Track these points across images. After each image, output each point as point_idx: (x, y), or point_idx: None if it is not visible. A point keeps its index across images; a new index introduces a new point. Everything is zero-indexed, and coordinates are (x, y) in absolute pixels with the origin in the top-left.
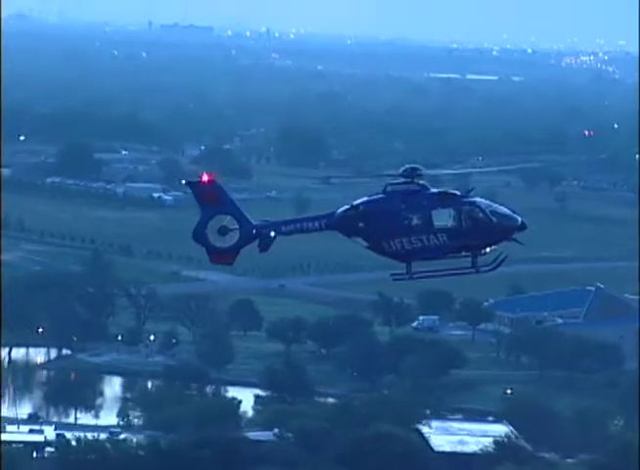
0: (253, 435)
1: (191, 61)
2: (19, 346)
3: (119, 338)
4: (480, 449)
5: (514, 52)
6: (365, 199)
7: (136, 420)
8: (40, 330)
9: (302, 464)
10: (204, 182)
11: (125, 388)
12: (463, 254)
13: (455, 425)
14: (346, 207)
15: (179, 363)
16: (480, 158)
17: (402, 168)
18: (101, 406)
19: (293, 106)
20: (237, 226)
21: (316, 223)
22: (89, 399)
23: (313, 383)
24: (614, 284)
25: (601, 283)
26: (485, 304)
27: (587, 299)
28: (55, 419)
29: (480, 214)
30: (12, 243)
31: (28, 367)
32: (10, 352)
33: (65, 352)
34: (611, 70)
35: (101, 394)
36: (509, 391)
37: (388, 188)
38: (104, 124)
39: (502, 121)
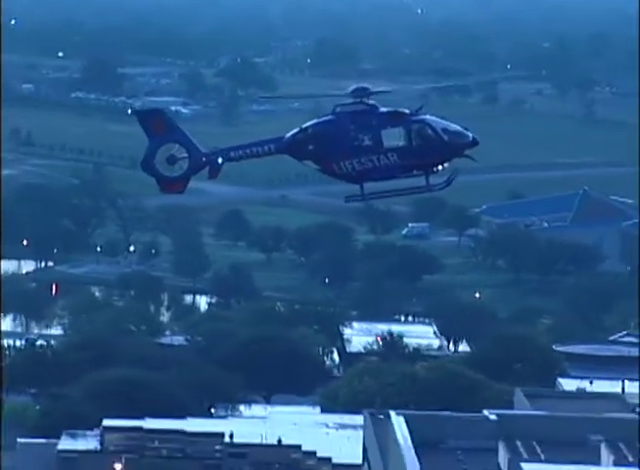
0: (170, 339)
1: None
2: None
3: (99, 249)
4: (364, 347)
5: None
6: (314, 121)
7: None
8: (25, 242)
9: (188, 366)
10: (150, 111)
11: (84, 297)
12: (415, 173)
13: (379, 326)
14: (295, 130)
15: (135, 271)
16: (509, 66)
17: (351, 88)
18: (55, 315)
19: (345, 18)
20: (186, 155)
21: (265, 148)
22: (47, 309)
23: (262, 289)
24: (620, 189)
25: (608, 188)
26: (476, 210)
27: (575, 202)
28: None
29: (430, 132)
30: (20, 158)
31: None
32: None
33: (47, 263)
34: None
35: (59, 303)
36: (477, 294)
37: (337, 109)
38: (141, 39)
39: (559, 28)
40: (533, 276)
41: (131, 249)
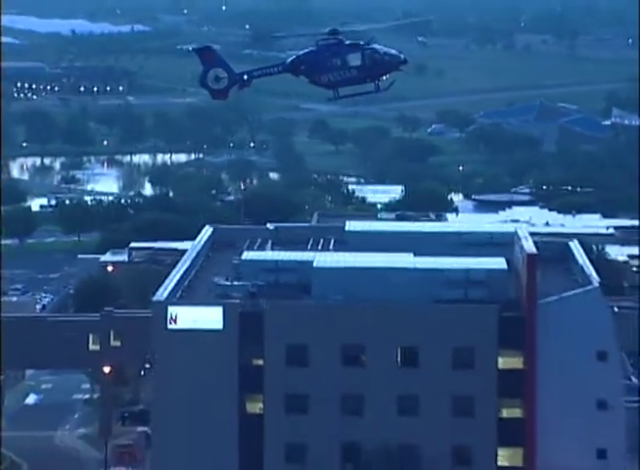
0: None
1: None
2: (174, 152)
3: (232, 146)
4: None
5: None
6: (304, 51)
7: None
8: (188, 143)
9: (217, 211)
10: (202, 48)
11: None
12: (368, 81)
13: (369, 187)
14: (292, 57)
15: (247, 160)
16: (522, 23)
17: (327, 29)
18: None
19: None
20: (226, 75)
21: (275, 69)
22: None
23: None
24: (580, 100)
25: (571, 99)
26: (476, 115)
27: (535, 108)
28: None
29: (377, 55)
30: (197, 91)
31: (172, 165)
32: (171, 156)
33: (200, 155)
34: None
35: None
36: (460, 168)
37: (320, 43)
38: (287, 15)
39: None
40: (501, 156)
41: (251, 145)
